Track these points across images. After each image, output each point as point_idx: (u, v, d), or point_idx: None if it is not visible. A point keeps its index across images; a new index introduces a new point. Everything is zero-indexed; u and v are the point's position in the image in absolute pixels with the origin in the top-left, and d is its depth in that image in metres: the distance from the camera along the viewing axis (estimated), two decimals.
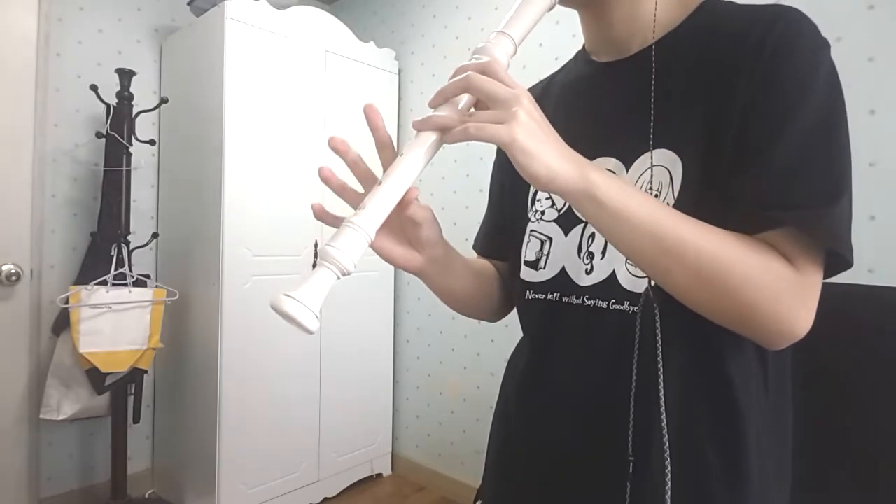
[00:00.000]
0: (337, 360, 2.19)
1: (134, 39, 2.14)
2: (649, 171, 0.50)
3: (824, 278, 0.45)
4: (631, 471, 0.48)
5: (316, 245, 2.08)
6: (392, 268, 2.40)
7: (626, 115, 0.54)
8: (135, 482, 2.03)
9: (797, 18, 0.46)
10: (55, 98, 1.91)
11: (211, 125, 1.86)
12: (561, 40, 1.89)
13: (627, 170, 0.53)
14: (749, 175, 0.44)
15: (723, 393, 0.48)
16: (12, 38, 1.57)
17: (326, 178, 0.48)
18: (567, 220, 0.57)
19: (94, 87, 1.78)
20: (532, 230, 0.61)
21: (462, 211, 2.22)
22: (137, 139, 1.87)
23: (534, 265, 0.60)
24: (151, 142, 1.97)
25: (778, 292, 0.42)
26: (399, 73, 2.47)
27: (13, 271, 1.55)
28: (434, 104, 0.46)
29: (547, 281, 0.58)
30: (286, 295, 0.38)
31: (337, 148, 0.48)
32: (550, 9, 0.51)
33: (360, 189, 0.49)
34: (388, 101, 2.42)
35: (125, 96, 1.84)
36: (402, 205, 0.46)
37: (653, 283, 0.48)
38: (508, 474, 0.62)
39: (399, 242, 0.52)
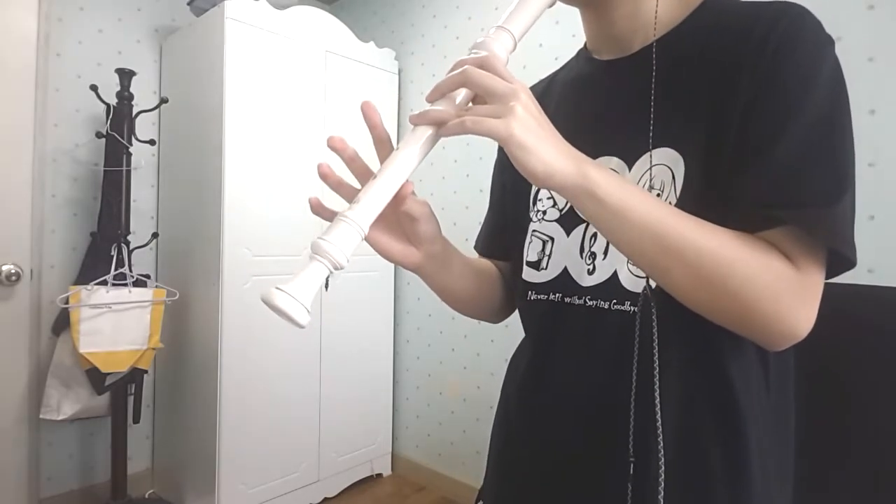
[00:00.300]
0: (337, 360, 2.18)
1: (134, 39, 2.13)
2: (652, 169, 0.50)
3: (827, 278, 0.44)
4: (632, 471, 0.48)
5: None
6: (392, 268, 2.40)
7: (628, 114, 0.53)
8: (135, 482, 2.03)
9: (801, 14, 0.46)
10: (55, 98, 1.91)
11: (211, 125, 1.86)
12: (561, 40, 1.88)
13: (630, 169, 0.52)
14: (750, 173, 0.44)
15: (723, 393, 0.48)
16: (12, 38, 1.57)
17: (325, 175, 0.48)
18: (569, 220, 0.57)
19: (94, 87, 1.77)
20: (534, 230, 0.60)
21: (462, 211, 2.22)
22: (137, 139, 1.87)
23: (536, 265, 0.59)
24: (151, 142, 1.97)
25: (778, 292, 0.42)
26: (399, 73, 2.47)
27: (13, 271, 1.55)
28: (431, 99, 0.45)
29: (549, 281, 0.58)
30: (277, 288, 0.38)
31: (335, 147, 0.48)
32: (551, 5, 0.51)
33: (358, 186, 0.48)
34: (388, 101, 2.42)
35: (125, 96, 1.84)
36: (398, 199, 0.46)
37: (652, 283, 0.48)
38: (510, 475, 0.62)
39: (397, 238, 0.51)
